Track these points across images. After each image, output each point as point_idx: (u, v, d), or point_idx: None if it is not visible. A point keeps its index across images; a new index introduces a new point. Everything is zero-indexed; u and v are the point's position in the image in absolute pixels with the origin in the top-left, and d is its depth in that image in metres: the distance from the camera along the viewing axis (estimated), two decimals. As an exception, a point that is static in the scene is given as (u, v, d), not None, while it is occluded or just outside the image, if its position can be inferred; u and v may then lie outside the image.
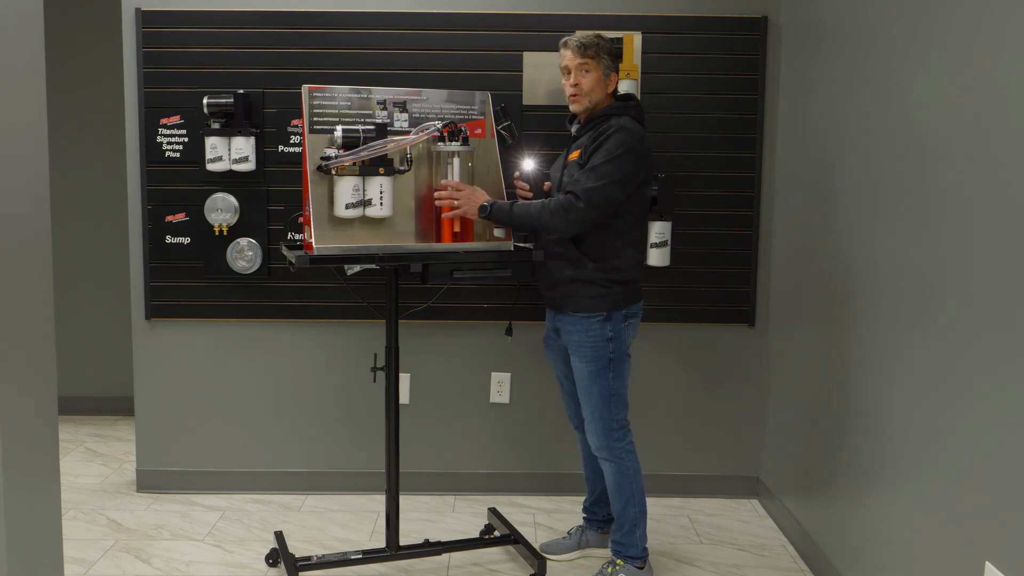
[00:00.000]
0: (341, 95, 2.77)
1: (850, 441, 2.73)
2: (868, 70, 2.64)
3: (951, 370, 2.12)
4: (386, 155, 2.71)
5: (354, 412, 3.65)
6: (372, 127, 2.73)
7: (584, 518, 3.19)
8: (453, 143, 2.80)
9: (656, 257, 3.42)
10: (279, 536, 3.02)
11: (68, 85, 4.51)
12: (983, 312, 1.98)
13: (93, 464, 4.02)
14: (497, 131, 2.93)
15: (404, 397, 3.63)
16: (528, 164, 3.15)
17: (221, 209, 3.47)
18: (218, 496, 3.63)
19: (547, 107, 3.48)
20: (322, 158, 2.67)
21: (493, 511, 3.29)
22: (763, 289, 3.59)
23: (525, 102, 3.48)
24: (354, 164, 2.67)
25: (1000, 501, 1.90)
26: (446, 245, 2.80)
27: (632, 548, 2.87)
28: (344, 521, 3.42)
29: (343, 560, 2.85)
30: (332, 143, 2.70)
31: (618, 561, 2.89)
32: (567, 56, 2.79)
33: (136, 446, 3.66)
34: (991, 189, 1.96)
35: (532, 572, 2.91)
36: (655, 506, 3.48)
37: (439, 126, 2.78)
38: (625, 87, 3.34)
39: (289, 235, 3.52)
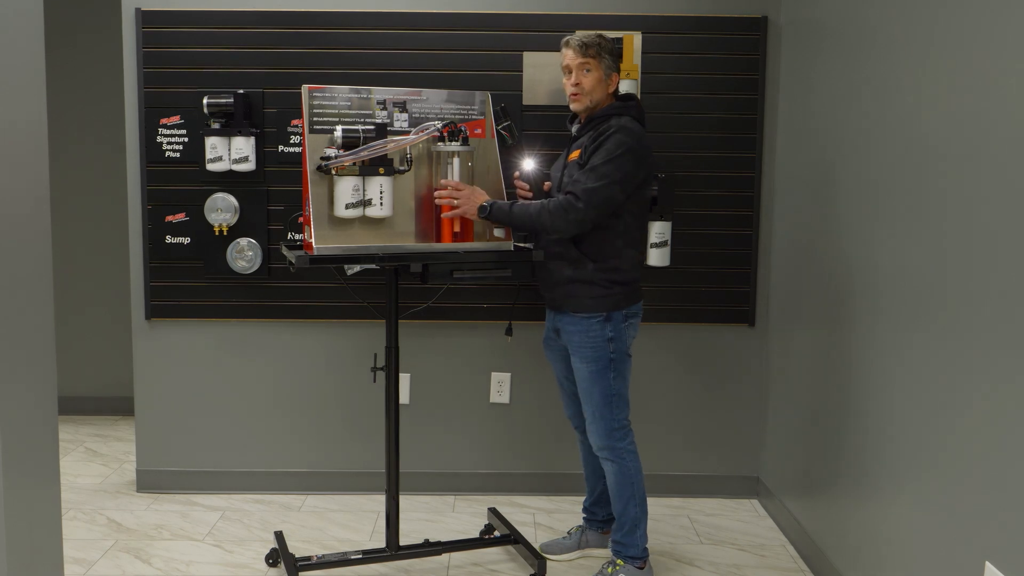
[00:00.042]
0: (341, 95, 2.77)
1: (850, 441, 2.73)
2: (868, 70, 2.64)
3: (951, 370, 2.12)
4: (386, 155, 2.71)
5: (354, 412, 3.65)
6: (372, 127, 2.73)
7: (584, 518, 3.19)
8: (453, 143, 2.80)
9: (656, 257, 3.42)
10: (279, 536, 3.02)
11: (68, 85, 4.51)
12: (983, 312, 1.98)
13: (93, 464, 4.02)
14: (497, 131, 2.93)
15: (404, 397, 3.63)
16: (528, 164, 3.15)
17: (221, 209, 3.47)
18: (218, 496, 3.63)
19: (547, 107, 3.48)
20: (322, 158, 2.67)
21: (493, 511, 3.29)
22: (763, 289, 3.59)
23: (525, 102, 3.48)
24: (354, 164, 2.67)
25: (1000, 501, 1.90)
26: (446, 245, 2.80)
27: (632, 548, 2.87)
28: (344, 521, 3.42)
29: (343, 560, 2.85)
30: (332, 143, 2.70)
31: (618, 561, 2.89)
32: (568, 55, 2.79)
33: (136, 446, 3.66)
34: (991, 189, 1.96)
35: (532, 572, 2.91)
36: (655, 506, 3.48)
37: (439, 126, 2.78)
38: (625, 87, 3.34)
39: (289, 235, 3.52)
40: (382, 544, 2.99)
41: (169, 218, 3.51)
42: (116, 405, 4.70)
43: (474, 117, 2.92)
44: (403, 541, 2.99)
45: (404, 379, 3.63)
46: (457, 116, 2.89)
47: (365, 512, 3.51)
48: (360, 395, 3.64)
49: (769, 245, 3.56)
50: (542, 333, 3.07)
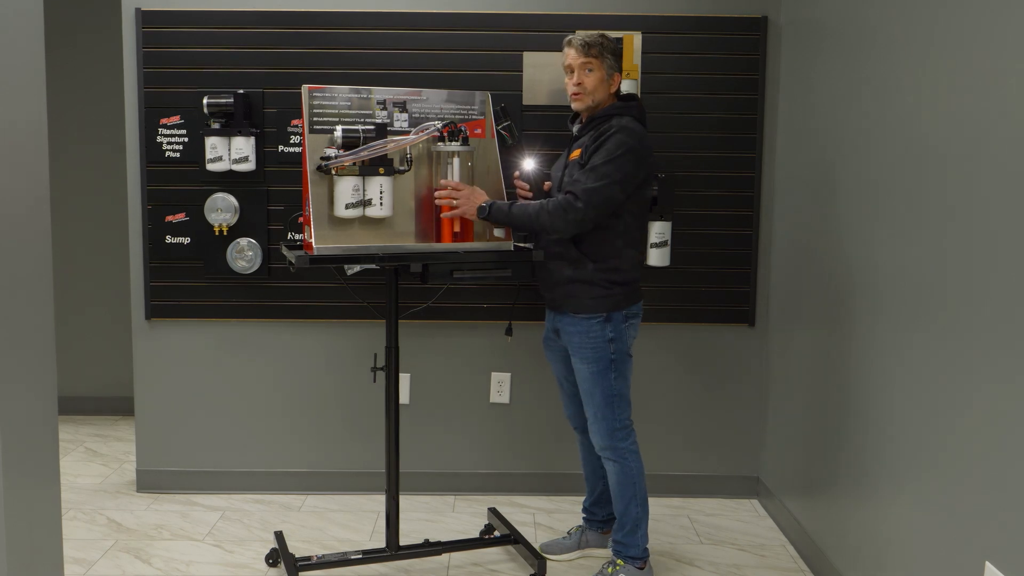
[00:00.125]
0: (341, 95, 2.77)
1: (850, 441, 2.73)
2: (868, 70, 2.64)
3: (951, 370, 2.12)
4: (386, 155, 2.71)
5: (354, 412, 3.65)
6: (372, 127, 2.73)
7: (584, 518, 3.19)
8: (453, 143, 2.80)
9: (656, 257, 3.42)
10: (279, 536, 3.02)
11: (68, 85, 4.51)
12: (983, 312, 1.98)
13: (93, 464, 4.02)
14: (497, 131, 2.93)
15: (404, 397, 3.63)
16: (528, 164, 3.15)
17: (221, 209, 3.47)
18: (218, 496, 3.63)
19: (547, 107, 3.48)
20: (322, 158, 2.67)
21: (493, 511, 3.29)
22: (763, 289, 3.59)
23: (525, 102, 3.48)
24: (354, 164, 2.67)
25: (1000, 501, 1.90)
26: (446, 245, 2.80)
27: (633, 548, 2.87)
28: (344, 521, 3.42)
29: (343, 560, 2.85)
30: (332, 143, 2.70)
31: (619, 561, 2.89)
32: (571, 55, 2.79)
33: (136, 446, 3.66)
34: (991, 189, 1.96)
35: (532, 572, 2.91)
36: (655, 506, 3.48)
37: (439, 126, 2.78)
38: (625, 87, 3.33)
39: (289, 235, 3.52)
40: (382, 544, 2.99)
41: (169, 218, 3.51)
42: (116, 405, 4.70)
43: (474, 117, 2.92)
44: (403, 541, 2.99)
45: (404, 379, 3.63)
46: (457, 116, 2.89)
47: (365, 512, 3.51)
48: (360, 395, 3.64)
49: (769, 245, 3.56)
50: (542, 333, 3.07)
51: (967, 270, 2.05)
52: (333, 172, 2.66)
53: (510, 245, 2.90)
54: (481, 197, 2.79)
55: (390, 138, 2.74)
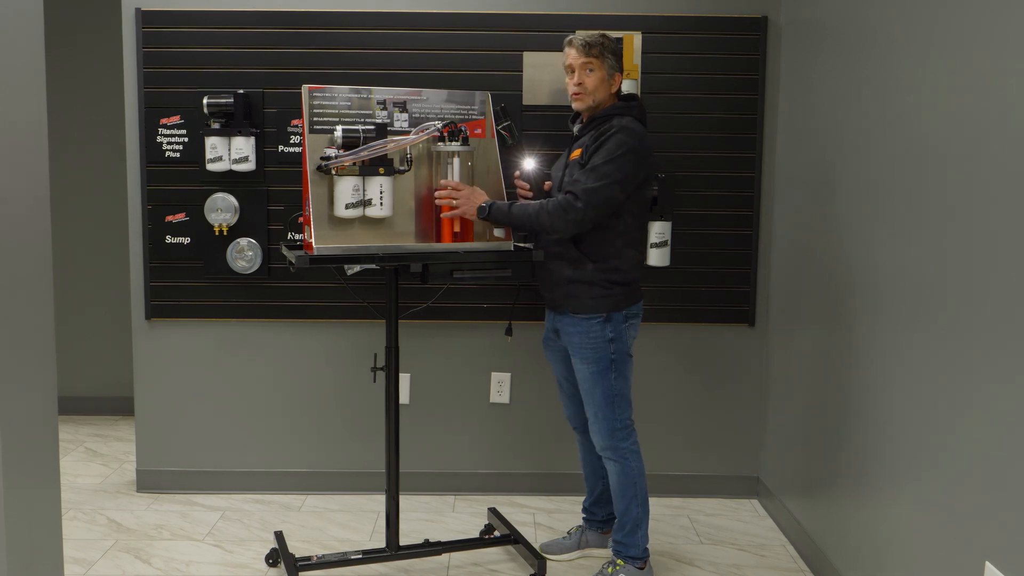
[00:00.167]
0: (341, 95, 2.77)
1: (850, 441, 2.73)
2: (868, 70, 2.64)
3: (951, 370, 2.12)
4: (386, 155, 2.71)
5: (354, 412, 3.65)
6: (372, 127, 2.73)
7: (584, 518, 3.19)
8: (453, 143, 2.80)
9: (656, 257, 3.42)
10: (279, 536, 3.02)
11: (68, 85, 4.51)
12: (983, 312, 1.98)
13: (93, 464, 4.02)
14: (497, 131, 2.93)
15: (404, 397, 3.63)
16: (529, 163, 3.15)
17: (221, 209, 3.47)
18: (218, 496, 3.63)
19: (547, 107, 3.48)
20: (322, 158, 2.67)
21: (493, 511, 3.29)
22: (763, 289, 3.59)
23: (525, 102, 3.48)
24: (354, 164, 2.67)
25: (1000, 501, 1.90)
26: (446, 245, 2.80)
27: (633, 548, 2.87)
28: (344, 521, 3.42)
29: (343, 560, 2.85)
30: (332, 143, 2.70)
31: (619, 561, 2.89)
32: (571, 55, 2.78)
33: (136, 446, 3.66)
34: (991, 189, 1.96)
35: (532, 572, 2.91)
36: (655, 506, 3.48)
37: (439, 126, 2.78)
38: (625, 87, 3.33)
39: (289, 235, 3.52)
40: (382, 544, 2.99)
41: (169, 218, 3.51)
42: (116, 405, 4.70)
43: (474, 117, 2.92)
44: (403, 541, 2.99)
45: (404, 379, 3.63)
46: (457, 116, 2.89)
47: (365, 512, 3.51)
48: (360, 395, 3.64)
49: (769, 245, 3.56)
50: (542, 333, 3.07)
51: (967, 270, 2.05)
52: (333, 172, 2.66)
53: (510, 245, 2.90)
54: (481, 197, 2.79)
55: (390, 138, 2.74)
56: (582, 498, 3.23)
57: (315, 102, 2.73)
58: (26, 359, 1.73)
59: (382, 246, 2.74)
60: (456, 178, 2.81)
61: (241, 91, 3.42)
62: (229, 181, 3.49)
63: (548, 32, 3.44)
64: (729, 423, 3.68)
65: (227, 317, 3.57)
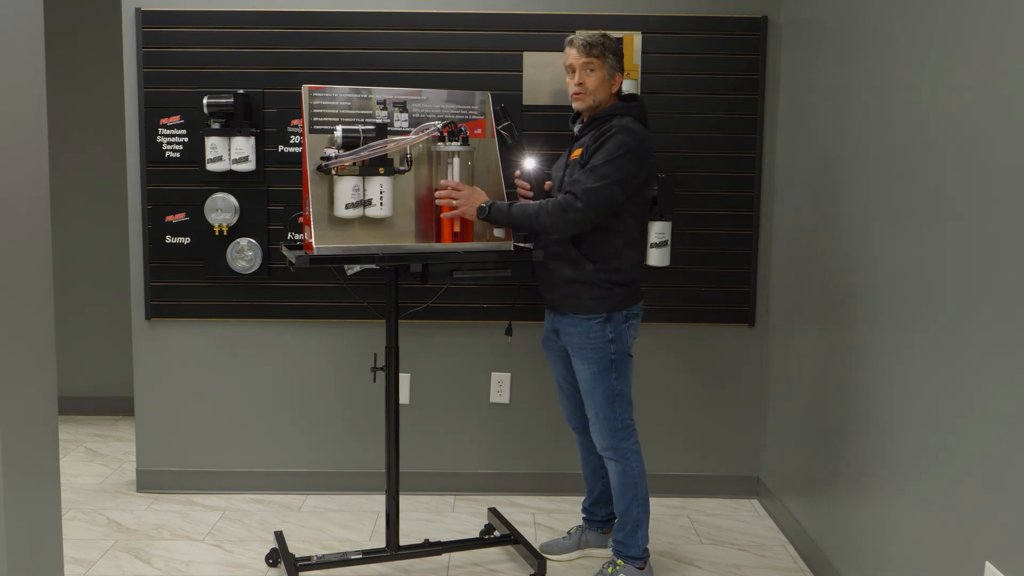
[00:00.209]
0: (341, 95, 2.77)
1: (850, 441, 2.73)
2: (868, 70, 2.64)
3: (951, 370, 2.12)
4: (386, 155, 2.71)
5: (354, 412, 3.65)
6: (372, 127, 2.73)
7: (584, 518, 3.19)
8: (453, 143, 2.80)
9: (656, 257, 3.42)
10: (279, 536, 3.02)
11: (68, 85, 4.51)
12: (983, 312, 1.98)
13: (93, 464, 4.02)
14: (497, 131, 2.93)
15: (404, 397, 3.63)
16: (529, 163, 3.15)
17: (221, 209, 3.47)
18: (218, 496, 3.63)
19: (547, 107, 3.48)
20: (322, 158, 2.67)
21: (493, 511, 3.29)
22: (763, 289, 3.59)
23: (525, 102, 3.48)
24: (354, 164, 2.67)
25: (1000, 501, 1.90)
26: (446, 245, 2.80)
27: (634, 548, 2.87)
28: (344, 521, 3.42)
29: (343, 560, 2.85)
30: (332, 143, 2.70)
31: (619, 561, 2.89)
32: (572, 54, 2.78)
33: (136, 446, 3.66)
34: (991, 188, 1.96)
35: (532, 572, 2.91)
36: (655, 506, 3.47)
37: (439, 126, 2.78)
38: (625, 87, 3.33)
39: (289, 235, 3.52)
40: (382, 544, 2.99)
41: (169, 218, 3.51)
42: (116, 405, 4.70)
43: (474, 117, 2.92)
44: (403, 541, 2.98)
45: (404, 379, 3.63)
46: (457, 116, 2.89)
47: (365, 512, 3.51)
48: (360, 395, 3.64)
49: (769, 245, 3.56)
50: (541, 333, 3.07)
51: (967, 270, 2.05)
52: (333, 172, 2.66)
53: (510, 245, 2.90)
54: (481, 197, 2.79)
55: (390, 138, 2.74)
56: (582, 498, 3.23)
57: (315, 102, 2.73)
58: (26, 359, 1.73)
59: (382, 246, 2.74)
60: (456, 178, 2.81)
61: (241, 91, 3.42)
62: (229, 181, 3.49)
63: (548, 32, 3.44)
64: (729, 423, 3.68)
65: (227, 317, 3.57)
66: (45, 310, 1.80)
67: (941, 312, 2.17)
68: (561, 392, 3.07)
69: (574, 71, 2.79)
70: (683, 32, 3.47)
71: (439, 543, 2.97)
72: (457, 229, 2.81)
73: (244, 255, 3.51)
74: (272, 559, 3.01)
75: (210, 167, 3.41)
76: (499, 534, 3.17)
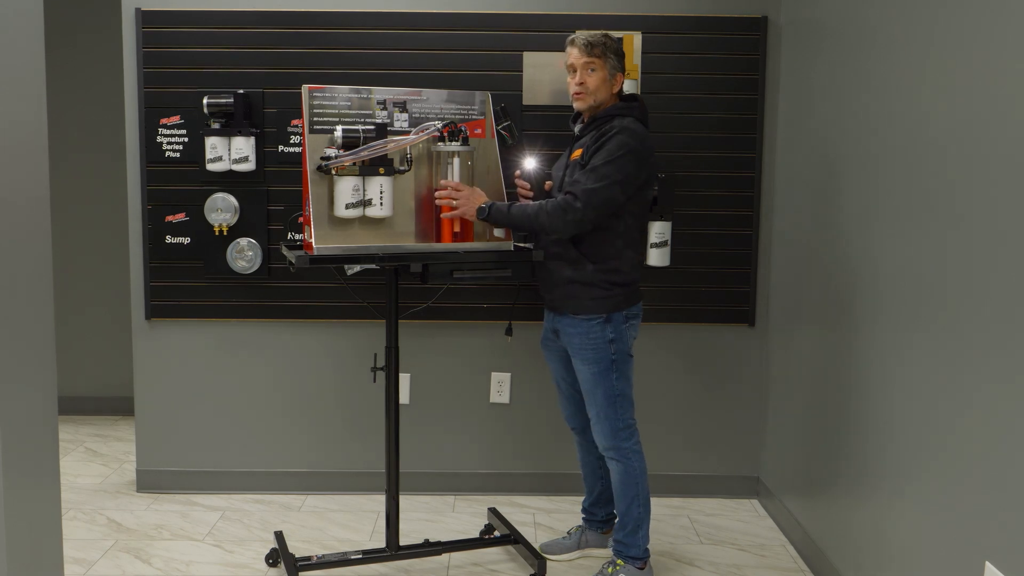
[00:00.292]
0: (341, 95, 2.77)
1: (850, 441, 2.73)
2: (868, 70, 2.64)
3: (952, 370, 2.12)
4: (386, 155, 2.71)
5: (354, 412, 3.65)
6: (372, 127, 2.73)
7: (583, 518, 3.19)
8: (453, 143, 2.80)
9: (656, 257, 3.42)
10: (279, 536, 3.02)
11: (68, 85, 4.51)
12: (983, 312, 1.98)
13: (93, 464, 4.02)
14: (497, 131, 2.93)
15: (404, 397, 3.63)
16: (529, 163, 3.15)
17: (221, 209, 3.47)
18: (218, 496, 3.63)
19: (547, 107, 3.48)
20: (322, 158, 2.67)
21: (493, 511, 3.29)
22: (763, 289, 3.59)
23: (525, 102, 3.48)
24: (354, 164, 2.67)
25: (1000, 501, 1.90)
26: (446, 245, 2.80)
27: (634, 548, 2.87)
28: (344, 521, 3.42)
29: (343, 560, 2.85)
30: (332, 143, 2.70)
31: (619, 561, 2.89)
32: (573, 54, 2.78)
33: (136, 446, 3.66)
34: (991, 189, 1.96)
35: (532, 572, 2.91)
36: (655, 506, 3.47)
37: (439, 126, 2.78)
38: (625, 87, 3.33)
39: (289, 235, 3.52)
40: (382, 544, 2.99)
41: (169, 218, 3.51)
42: (116, 405, 4.70)
43: (474, 117, 2.92)
44: (403, 541, 2.99)
45: (404, 379, 3.63)
46: (457, 116, 2.89)
47: (365, 512, 3.51)
48: (360, 395, 3.64)
49: (769, 245, 3.56)
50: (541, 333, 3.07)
51: (967, 270, 2.05)
52: (333, 172, 2.66)
53: (510, 245, 2.90)
54: (481, 198, 2.79)
55: (390, 138, 2.74)
56: (582, 498, 3.23)
57: (315, 102, 2.73)
58: (26, 359, 1.73)
59: (382, 246, 2.74)
60: (456, 178, 2.81)
61: (241, 91, 3.42)
62: (229, 181, 3.49)
63: (548, 32, 3.44)
64: (729, 423, 3.68)
65: (227, 317, 3.57)
66: (45, 310, 1.80)
67: (941, 312, 2.17)
68: (560, 392, 3.07)
69: (575, 71, 2.79)
70: (683, 32, 3.47)
71: (439, 543, 2.97)
72: (457, 229, 2.81)
73: (244, 255, 3.51)
74: (272, 559, 3.01)
75: (210, 167, 3.41)
76: (499, 534, 3.17)
